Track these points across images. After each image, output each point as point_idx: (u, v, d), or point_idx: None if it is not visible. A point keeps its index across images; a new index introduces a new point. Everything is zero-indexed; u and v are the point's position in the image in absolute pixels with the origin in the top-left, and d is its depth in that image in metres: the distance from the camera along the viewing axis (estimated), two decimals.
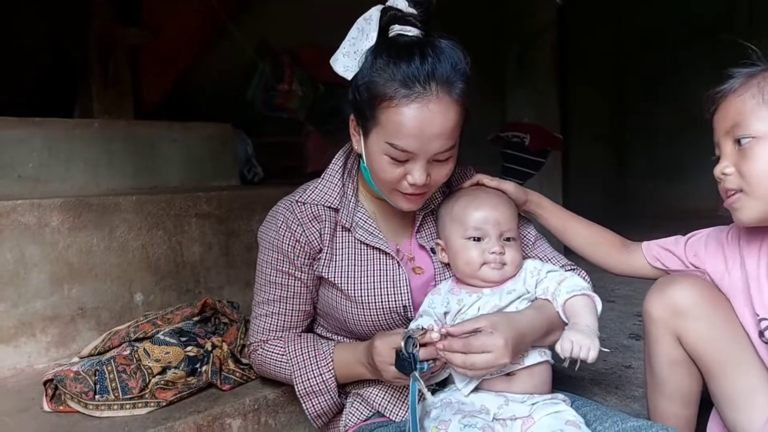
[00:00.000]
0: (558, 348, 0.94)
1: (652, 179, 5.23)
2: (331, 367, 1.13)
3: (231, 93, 3.04)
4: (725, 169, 1.00)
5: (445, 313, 1.10)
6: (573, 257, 1.31)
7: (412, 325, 1.06)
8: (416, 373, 0.96)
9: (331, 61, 1.08)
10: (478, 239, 1.10)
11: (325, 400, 1.14)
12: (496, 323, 0.99)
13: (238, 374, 1.38)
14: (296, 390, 1.15)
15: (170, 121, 2.23)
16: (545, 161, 3.14)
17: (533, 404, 1.01)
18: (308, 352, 1.15)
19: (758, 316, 1.05)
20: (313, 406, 1.14)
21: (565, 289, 1.04)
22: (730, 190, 1.01)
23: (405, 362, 0.96)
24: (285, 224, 1.17)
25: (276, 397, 1.34)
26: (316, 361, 1.14)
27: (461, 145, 1.09)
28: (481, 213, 1.11)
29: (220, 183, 2.32)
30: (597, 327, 0.99)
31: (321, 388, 1.13)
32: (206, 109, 2.64)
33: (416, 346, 0.97)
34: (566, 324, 1.03)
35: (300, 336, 1.20)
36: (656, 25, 4.79)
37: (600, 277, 1.27)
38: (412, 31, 1.05)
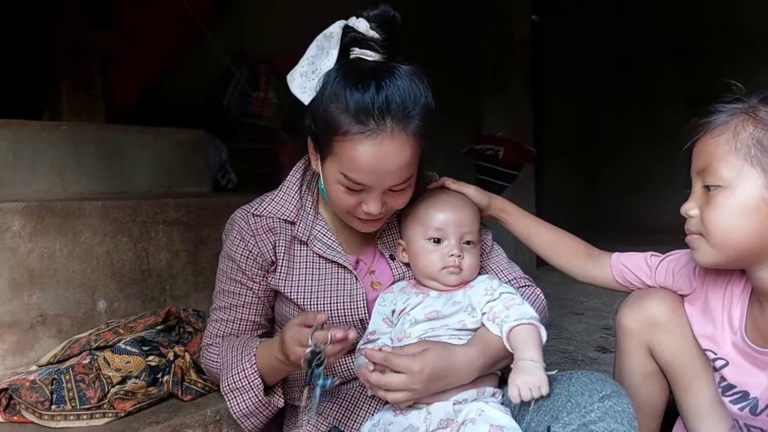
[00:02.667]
0: (509, 395, 0.93)
1: (625, 192, 5.34)
2: (254, 362, 1.09)
3: (207, 99, 3.03)
4: (690, 210, 0.99)
5: (392, 311, 1.11)
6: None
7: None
8: (316, 393, 0.92)
9: (288, 80, 1.06)
10: (438, 240, 1.11)
11: (250, 398, 1.10)
12: (427, 351, 0.99)
13: (200, 385, 1.37)
14: (221, 388, 1.12)
15: (141, 126, 2.20)
16: (518, 174, 3.19)
17: (456, 404, 1.01)
18: (236, 350, 1.13)
19: (712, 352, 1.07)
20: (238, 404, 1.10)
21: (512, 317, 1.03)
22: (692, 232, 1.00)
23: (307, 376, 0.92)
24: (239, 234, 1.16)
25: None
26: (241, 358, 1.10)
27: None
28: (442, 214, 1.12)
29: (191, 189, 2.29)
30: (541, 357, 0.97)
31: (244, 384, 1.09)
32: (181, 114, 2.62)
33: (322, 361, 0.92)
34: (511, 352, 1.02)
35: (237, 337, 1.18)
36: (630, 41, 4.91)
37: (570, 289, 1.28)
38: (372, 56, 1.04)
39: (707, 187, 0.96)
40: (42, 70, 2.35)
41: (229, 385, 1.10)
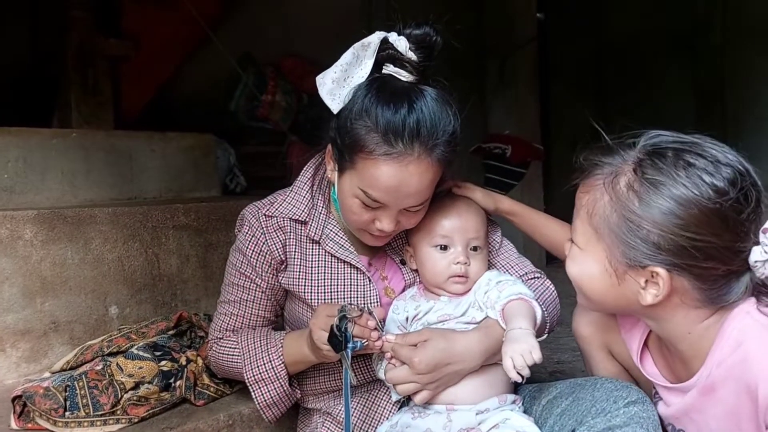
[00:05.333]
0: (504, 367, 0.93)
1: None
2: (280, 353, 1.11)
3: (214, 103, 3.04)
4: (565, 249, 0.97)
5: (406, 318, 1.11)
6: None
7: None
8: (347, 352, 0.95)
9: (318, 83, 1.06)
10: (445, 247, 1.11)
11: (275, 388, 1.12)
12: (427, 341, 1.01)
13: (212, 389, 1.37)
14: (246, 379, 1.13)
15: (150, 132, 2.22)
16: (526, 172, 3.17)
17: (479, 413, 1.02)
18: (259, 340, 1.14)
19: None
20: (263, 394, 1.12)
21: (504, 295, 1.05)
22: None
23: (336, 339, 0.96)
24: (250, 231, 1.17)
25: (251, 413, 1.33)
26: (266, 349, 1.13)
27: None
28: (448, 221, 1.12)
29: (200, 194, 2.30)
30: (531, 327, 0.98)
31: (270, 375, 1.11)
32: (189, 119, 2.64)
33: (349, 325, 0.96)
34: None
35: (254, 329, 1.20)
36: (636, 36, 4.87)
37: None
38: (405, 77, 1.03)
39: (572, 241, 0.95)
40: (52, 78, 2.38)
41: (254, 375, 1.12)
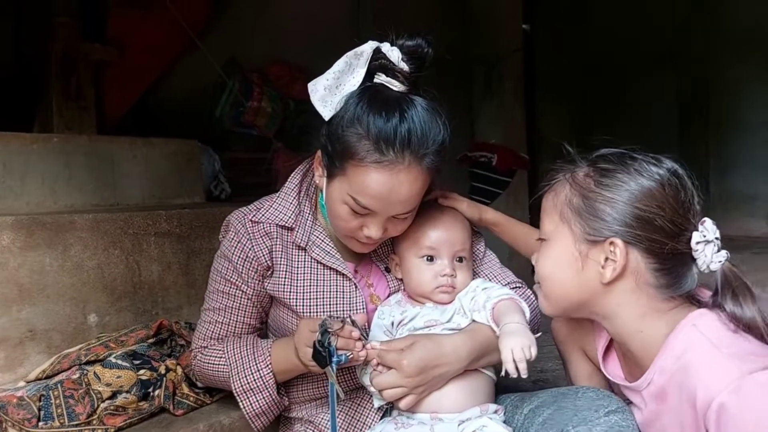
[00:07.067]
0: (503, 359, 0.94)
1: None
2: (269, 362, 1.11)
3: (199, 109, 3.02)
4: (533, 259, 1.06)
5: (392, 323, 1.12)
6: None
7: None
8: (331, 367, 0.95)
9: (309, 89, 1.06)
10: (431, 259, 1.12)
11: (264, 398, 1.11)
12: (414, 344, 1.02)
13: (192, 399, 1.35)
14: (233, 388, 1.12)
15: (133, 137, 2.19)
16: (511, 180, 3.20)
17: (461, 423, 1.02)
18: (246, 349, 1.13)
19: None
20: (251, 404, 1.12)
21: (493, 296, 1.06)
22: (535, 281, 1.06)
23: (320, 354, 0.95)
24: (236, 237, 1.16)
25: (231, 423, 1.31)
26: (254, 358, 1.12)
27: None
28: (435, 233, 1.13)
29: (183, 200, 2.28)
30: (526, 323, 1.00)
31: (259, 384, 1.10)
32: (174, 125, 2.61)
33: (332, 339, 0.95)
34: (496, 332, 1.03)
35: (240, 337, 1.18)
36: (618, 45, 4.94)
37: None
38: (397, 87, 1.04)
39: (541, 240, 1.04)
40: (34, 83, 2.35)
41: (243, 386, 1.11)
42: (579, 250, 0.97)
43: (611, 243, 0.94)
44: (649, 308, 0.96)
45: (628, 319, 0.97)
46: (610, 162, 0.98)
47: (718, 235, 0.93)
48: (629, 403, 1.04)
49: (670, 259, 0.93)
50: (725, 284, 0.93)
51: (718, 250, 0.93)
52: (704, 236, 0.92)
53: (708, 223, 0.93)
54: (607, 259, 0.95)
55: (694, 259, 0.94)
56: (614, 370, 1.07)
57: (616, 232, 0.93)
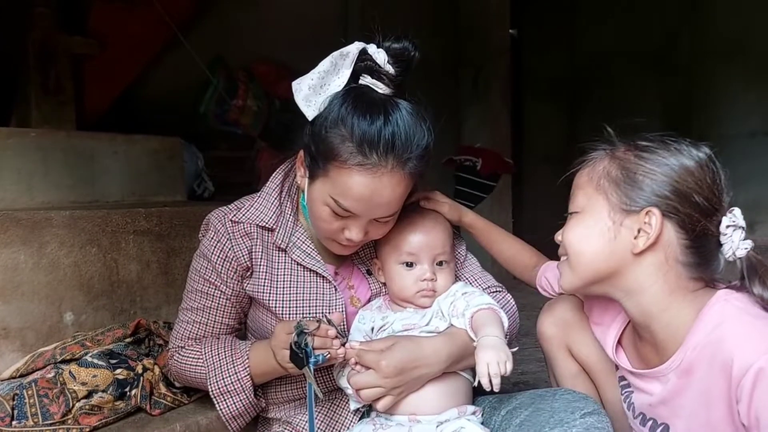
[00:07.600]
0: (478, 371, 0.94)
1: None
2: (246, 365, 1.10)
3: (183, 106, 2.99)
4: (557, 236, 1.06)
5: (372, 328, 1.11)
6: None
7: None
8: (309, 368, 0.95)
9: (294, 88, 1.05)
10: (411, 264, 1.12)
11: (240, 400, 1.11)
12: (394, 345, 1.01)
13: (169, 398, 1.34)
14: (210, 390, 1.11)
15: (113, 133, 2.16)
16: (496, 185, 3.22)
17: (439, 425, 1.02)
18: (224, 351, 1.12)
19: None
20: (228, 406, 1.11)
21: (473, 304, 1.06)
22: (560, 255, 1.07)
23: (297, 356, 0.95)
24: (216, 236, 1.15)
25: (209, 423, 1.30)
26: (232, 360, 1.11)
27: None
28: (415, 238, 1.12)
29: (164, 198, 2.25)
30: (503, 336, 1.00)
31: (236, 387, 1.10)
32: (157, 121, 2.58)
33: (309, 340, 0.95)
34: (474, 341, 1.02)
35: (218, 338, 1.17)
36: (604, 54, 5.00)
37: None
38: (382, 89, 1.03)
39: (571, 214, 1.04)
40: (10, 76, 2.30)
41: (219, 388, 1.10)
42: (613, 220, 0.97)
43: (648, 213, 0.94)
44: (677, 286, 0.96)
45: (656, 296, 0.97)
46: (650, 141, 1.00)
47: (744, 224, 0.95)
48: (625, 390, 1.05)
49: (700, 237, 0.95)
50: (751, 270, 0.94)
51: (745, 238, 0.94)
52: (734, 221, 0.94)
53: (737, 211, 0.95)
54: (640, 230, 0.95)
55: (720, 246, 0.96)
56: (625, 361, 1.08)
57: (654, 202, 0.95)
